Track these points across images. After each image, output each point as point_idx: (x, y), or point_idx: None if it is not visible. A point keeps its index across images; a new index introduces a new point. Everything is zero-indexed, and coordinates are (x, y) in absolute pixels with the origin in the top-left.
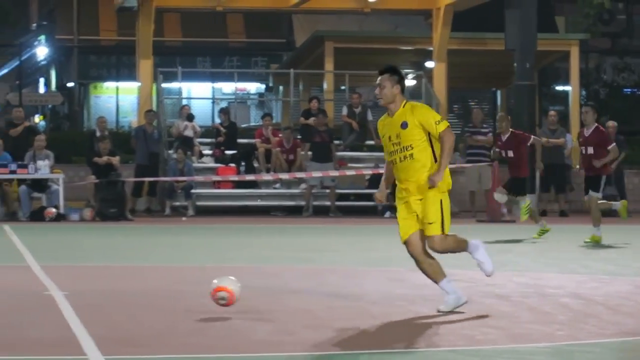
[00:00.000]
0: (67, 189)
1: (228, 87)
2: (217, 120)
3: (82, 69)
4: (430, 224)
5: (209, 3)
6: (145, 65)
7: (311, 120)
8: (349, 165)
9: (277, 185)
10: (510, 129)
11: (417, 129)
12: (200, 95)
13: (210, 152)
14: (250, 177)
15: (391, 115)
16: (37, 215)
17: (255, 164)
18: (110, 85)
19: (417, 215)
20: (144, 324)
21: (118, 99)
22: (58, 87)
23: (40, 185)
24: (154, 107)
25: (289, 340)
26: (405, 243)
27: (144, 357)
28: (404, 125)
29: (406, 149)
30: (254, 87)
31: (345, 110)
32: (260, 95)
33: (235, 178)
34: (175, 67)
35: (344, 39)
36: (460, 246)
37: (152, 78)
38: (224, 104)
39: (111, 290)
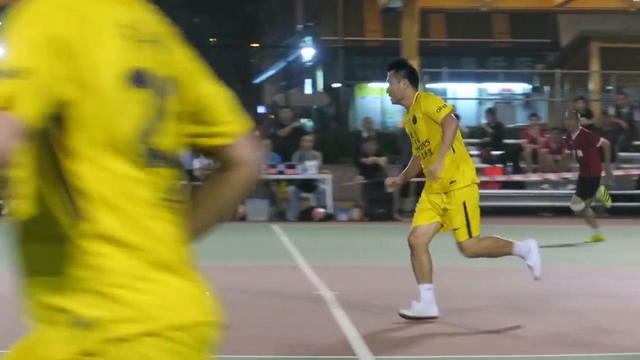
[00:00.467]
0: (335, 189)
1: (493, 88)
2: (483, 121)
3: (348, 69)
4: (455, 229)
5: (474, 3)
6: None
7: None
8: (619, 166)
9: (545, 186)
10: (580, 127)
11: (426, 122)
12: (466, 96)
13: (477, 152)
14: (517, 178)
15: (407, 111)
16: (306, 215)
17: (522, 165)
18: (375, 86)
19: (439, 209)
20: (411, 324)
21: (383, 99)
22: (324, 88)
23: (308, 185)
24: None
25: (561, 342)
26: (412, 230)
27: (414, 358)
28: (414, 120)
29: (424, 145)
30: (519, 88)
31: (612, 111)
32: (526, 95)
33: (502, 178)
34: (440, 68)
35: (609, 39)
36: (501, 250)
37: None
38: (489, 105)
39: (381, 290)
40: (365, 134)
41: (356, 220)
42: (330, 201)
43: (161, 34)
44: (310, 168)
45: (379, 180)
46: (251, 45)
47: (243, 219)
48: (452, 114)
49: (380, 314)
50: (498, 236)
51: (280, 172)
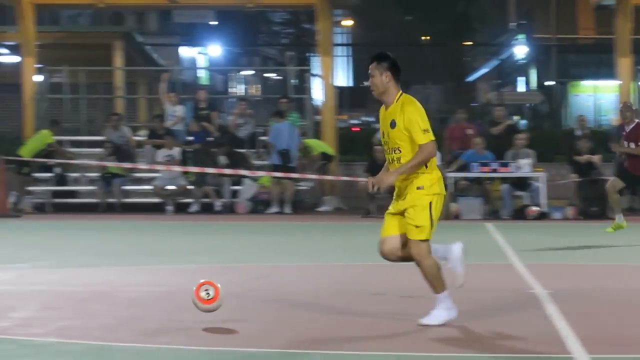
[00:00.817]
0: (549, 188)
1: None
2: None
3: (561, 67)
4: (418, 227)
5: None
6: (624, 64)
7: None
8: None
9: None
10: (636, 120)
11: (403, 132)
12: None
13: None
14: None
15: (386, 108)
16: (519, 214)
17: None
18: (589, 83)
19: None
20: (629, 323)
21: (597, 97)
22: (538, 86)
23: (522, 183)
24: (635, 106)
25: None
26: (381, 241)
27: (631, 357)
28: (392, 125)
29: (394, 151)
30: None
31: None
32: None
33: None
34: None
35: None
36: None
37: (632, 76)
38: None
39: (595, 289)
40: (578, 132)
41: (570, 218)
42: (544, 199)
43: None
44: (523, 166)
45: (594, 179)
46: (463, 43)
47: (457, 217)
48: (433, 142)
49: (595, 312)
50: None
51: (494, 170)
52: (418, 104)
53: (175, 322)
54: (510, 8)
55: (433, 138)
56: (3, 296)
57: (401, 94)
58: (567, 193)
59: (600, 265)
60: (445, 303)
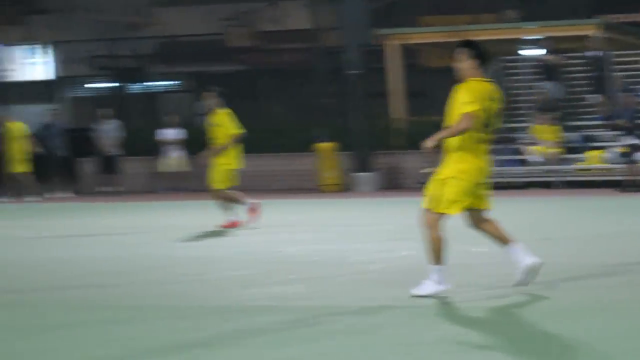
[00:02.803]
0: None
1: None
2: None
3: None
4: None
5: None
6: None
7: None
8: None
9: None
10: None
11: (455, 109)
12: None
13: None
14: None
15: None
16: None
17: None
18: None
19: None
20: None
21: None
22: None
23: None
24: None
25: None
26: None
27: None
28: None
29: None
30: None
31: None
32: None
33: None
34: None
35: None
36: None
37: None
38: None
39: None
40: None
41: None
42: None
43: None
44: None
45: None
46: None
47: None
48: (469, 115)
49: None
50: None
51: None
52: (472, 84)
53: None
54: None
55: (470, 110)
56: None
57: (472, 80)
58: None
59: None
60: (436, 275)
